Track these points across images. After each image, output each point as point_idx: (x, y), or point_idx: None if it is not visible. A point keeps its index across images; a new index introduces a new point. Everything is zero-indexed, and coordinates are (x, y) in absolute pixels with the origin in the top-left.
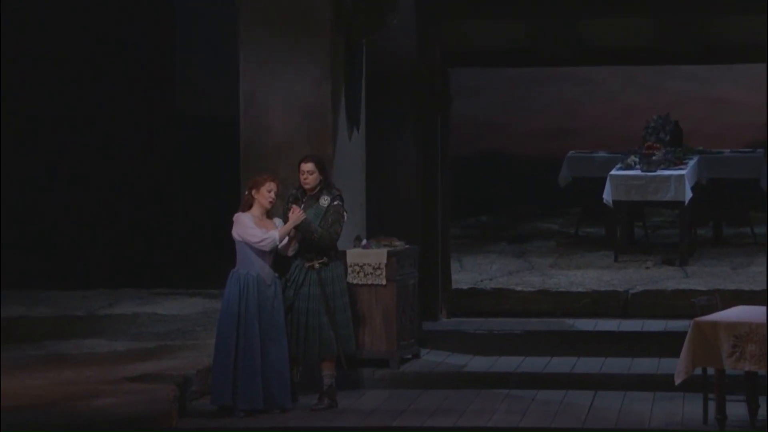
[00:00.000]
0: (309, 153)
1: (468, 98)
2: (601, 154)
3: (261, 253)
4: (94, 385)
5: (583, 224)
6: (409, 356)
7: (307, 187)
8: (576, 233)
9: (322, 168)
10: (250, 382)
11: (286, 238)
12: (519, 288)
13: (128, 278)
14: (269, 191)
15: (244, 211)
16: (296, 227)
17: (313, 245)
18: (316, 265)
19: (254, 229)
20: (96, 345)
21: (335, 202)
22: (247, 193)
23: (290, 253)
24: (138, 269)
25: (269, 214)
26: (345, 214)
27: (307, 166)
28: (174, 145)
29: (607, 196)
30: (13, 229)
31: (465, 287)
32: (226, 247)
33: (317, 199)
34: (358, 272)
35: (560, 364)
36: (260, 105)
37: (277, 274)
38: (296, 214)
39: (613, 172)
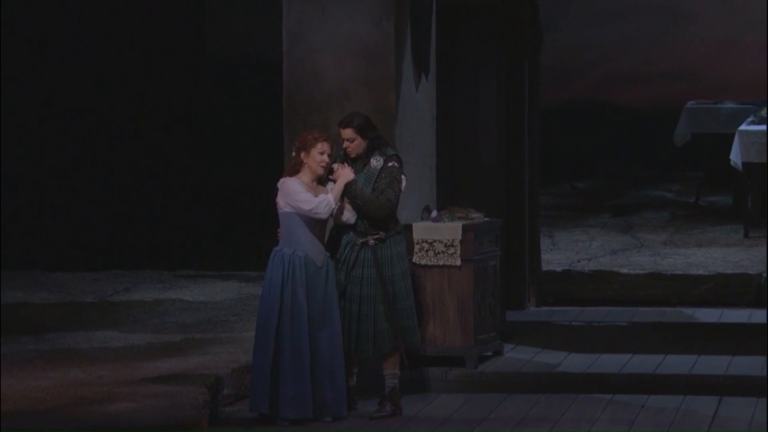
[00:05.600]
0: (349, 113)
1: (554, 35)
2: (728, 105)
3: (311, 227)
4: (108, 387)
5: (705, 192)
6: (490, 353)
7: (351, 156)
8: (696, 202)
9: (365, 131)
10: (296, 385)
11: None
12: (625, 270)
13: (148, 257)
14: (321, 153)
15: (291, 176)
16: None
17: (364, 216)
18: (371, 242)
19: (305, 194)
20: (109, 338)
21: (390, 164)
22: (294, 154)
23: (347, 220)
24: (160, 246)
25: (321, 181)
26: (403, 178)
27: (346, 133)
28: (204, 96)
29: (735, 157)
30: (11, 201)
31: (558, 269)
32: (267, 220)
33: (367, 161)
34: (427, 250)
35: (676, 363)
36: (307, 46)
37: (328, 254)
38: (342, 171)
39: (743, 127)
